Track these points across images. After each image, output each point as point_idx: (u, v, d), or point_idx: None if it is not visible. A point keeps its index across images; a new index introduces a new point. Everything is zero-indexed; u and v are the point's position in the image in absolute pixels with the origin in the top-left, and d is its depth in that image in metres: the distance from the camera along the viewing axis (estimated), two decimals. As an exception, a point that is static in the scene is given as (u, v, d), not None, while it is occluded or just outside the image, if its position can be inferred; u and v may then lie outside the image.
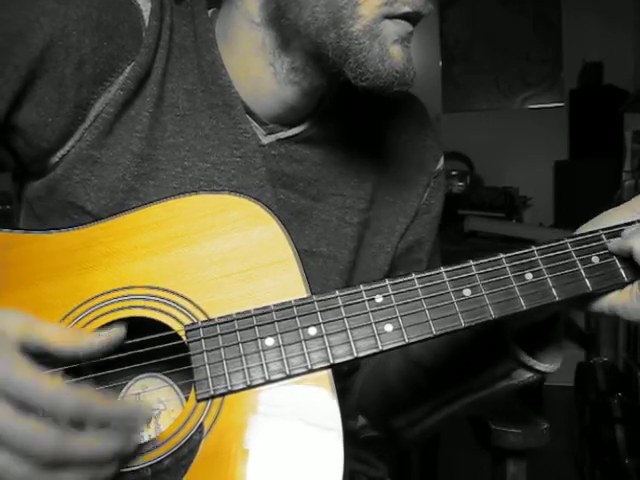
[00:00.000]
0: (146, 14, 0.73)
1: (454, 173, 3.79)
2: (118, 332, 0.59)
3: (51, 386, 0.51)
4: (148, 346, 0.61)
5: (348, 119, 0.84)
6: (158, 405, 0.67)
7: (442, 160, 0.92)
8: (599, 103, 3.85)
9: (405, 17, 0.69)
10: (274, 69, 0.74)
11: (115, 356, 0.60)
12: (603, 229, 0.65)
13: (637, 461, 2.01)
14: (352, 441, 0.91)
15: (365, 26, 0.67)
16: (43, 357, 0.56)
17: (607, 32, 4.03)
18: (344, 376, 0.89)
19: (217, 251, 0.64)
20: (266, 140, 0.78)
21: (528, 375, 0.72)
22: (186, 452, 0.58)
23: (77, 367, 0.61)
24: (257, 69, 0.75)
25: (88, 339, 0.58)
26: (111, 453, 0.53)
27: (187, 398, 0.66)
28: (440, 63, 4.38)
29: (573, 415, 2.63)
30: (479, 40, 4.30)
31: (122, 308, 0.62)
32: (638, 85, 3.73)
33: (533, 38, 4.24)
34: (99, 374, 0.62)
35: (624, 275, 0.63)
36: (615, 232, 0.65)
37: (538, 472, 1.43)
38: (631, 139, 2.77)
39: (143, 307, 0.62)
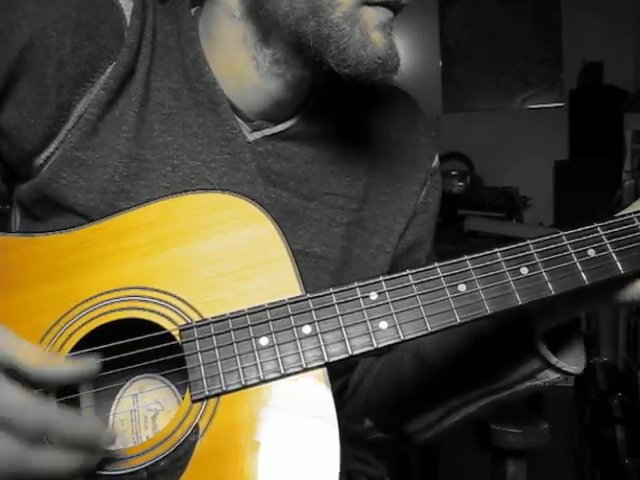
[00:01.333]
0: (127, 13, 0.73)
1: (454, 173, 3.78)
2: (90, 364, 0.55)
3: (15, 399, 0.50)
4: (143, 347, 0.60)
5: (337, 116, 0.83)
6: (155, 406, 0.67)
7: (437, 157, 0.91)
8: (599, 103, 3.86)
9: (385, 4, 0.69)
10: (256, 62, 0.74)
11: (110, 358, 0.60)
12: (598, 222, 0.64)
13: (637, 461, 2.01)
14: (353, 441, 0.91)
15: (345, 12, 0.67)
16: (11, 373, 0.54)
17: (607, 32, 4.03)
18: (341, 373, 0.89)
19: (211, 251, 0.63)
20: (252, 137, 0.77)
21: (555, 376, 0.71)
22: (182, 453, 0.57)
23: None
24: (240, 64, 0.75)
25: (57, 364, 0.55)
26: (70, 471, 0.52)
27: (183, 394, 0.66)
28: (440, 63, 4.38)
29: (573, 415, 2.64)
30: (479, 40, 4.30)
31: (117, 310, 0.62)
32: (638, 85, 3.73)
33: (533, 38, 4.24)
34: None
35: (620, 267, 0.62)
36: (610, 224, 0.64)
37: (538, 472, 1.43)
38: (631, 139, 2.77)
39: (137, 308, 0.62)
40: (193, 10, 0.79)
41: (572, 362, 0.71)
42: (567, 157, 4.09)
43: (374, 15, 0.68)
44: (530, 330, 0.70)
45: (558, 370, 0.71)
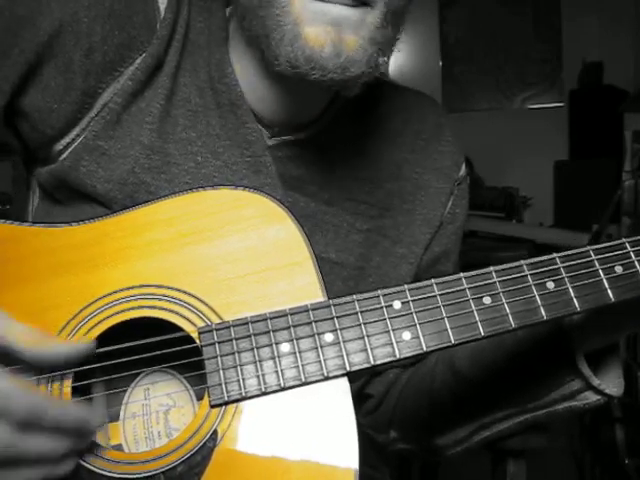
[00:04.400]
0: (162, 6, 0.72)
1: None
2: (87, 344, 0.57)
3: (4, 385, 0.51)
4: (159, 348, 0.60)
5: (361, 123, 0.82)
6: (167, 401, 0.66)
7: (464, 166, 0.89)
8: (599, 103, 3.86)
9: None
10: (264, 64, 0.71)
11: (127, 359, 0.60)
12: (627, 238, 0.63)
13: (637, 461, 2.01)
14: (377, 450, 0.90)
15: (283, 4, 0.63)
16: (4, 359, 0.55)
17: (607, 32, 4.04)
18: (359, 376, 0.87)
19: (231, 250, 0.62)
20: (271, 142, 0.76)
21: (595, 398, 0.70)
22: (199, 459, 0.57)
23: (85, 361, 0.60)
24: (253, 67, 0.73)
25: (53, 345, 0.56)
26: (61, 453, 0.53)
27: (196, 393, 0.65)
28: (440, 63, 4.38)
29: (573, 415, 2.63)
30: (479, 40, 4.30)
31: (133, 308, 0.61)
32: (638, 85, 3.74)
33: (533, 38, 4.24)
34: (107, 363, 0.61)
35: None
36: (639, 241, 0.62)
37: (538, 472, 1.43)
38: (631, 139, 2.76)
39: (154, 307, 0.61)
40: (228, 10, 0.77)
41: (611, 384, 0.69)
42: (567, 157, 4.10)
43: (318, 8, 0.62)
44: (572, 350, 0.69)
45: (599, 392, 0.69)
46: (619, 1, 4.00)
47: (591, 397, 0.70)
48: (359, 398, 0.90)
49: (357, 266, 0.81)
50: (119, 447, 0.65)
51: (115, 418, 0.66)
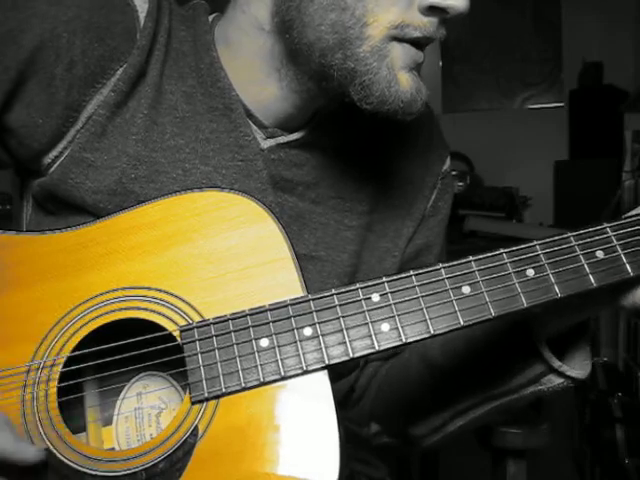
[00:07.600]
0: (142, 15, 0.72)
1: (454, 173, 3.78)
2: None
3: None
4: (144, 347, 0.61)
5: (350, 122, 0.82)
6: (159, 404, 0.67)
7: (448, 160, 0.90)
8: (599, 103, 3.85)
9: (415, 42, 0.68)
10: (279, 75, 0.74)
11: (113, 358, 0.60)
12: (608, 222, 0.62)
13: (637, 461, 2.00)
14: (361, 445, 0.91)
15: (373, 47, 0.66)
16: None
17: (607, 32, 4.03)
18: (347, 373, 0.88)
19: (213, 250, 0.63)
20: (266, 144, 0.77)
21: (559, 381, 0.70)
22: (180, 455, 0.57)
23: (79, 368, 0.62)
24: (262, 73, 0.74)
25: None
26: None
27: (185, 392, 0.66)
28: (440, 63, 4.38)
29: (573, 415, 2.63)
30: (479, 40, 4.30)
31: (118, 309, 0.62)
32: (638, 85, 3.73)
33: (533, 38, 4.24)
34: (97, 363, 0.62)
35: (629, 270, 0.60)
36: (620, 225, 0.62)
37: (538, 472, 1.43)
38: (631, 139, 2.76)
39: (139, 308, 0.62)
40: (211, 17, 0.79)
41: (577, 367, 0.70)
42: (567, 157, 4.09)
43: (402, 53, 0.67)
44: (533, 333, 0.69)
45: (561, 374, 0.70)
46: (619, 1, 3.99)
47: (555, 380, 0.70)
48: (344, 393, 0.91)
49: (351, 263, 0.82)
50: (112, 450, 0.65)
51: (108, 422, 0.67)
